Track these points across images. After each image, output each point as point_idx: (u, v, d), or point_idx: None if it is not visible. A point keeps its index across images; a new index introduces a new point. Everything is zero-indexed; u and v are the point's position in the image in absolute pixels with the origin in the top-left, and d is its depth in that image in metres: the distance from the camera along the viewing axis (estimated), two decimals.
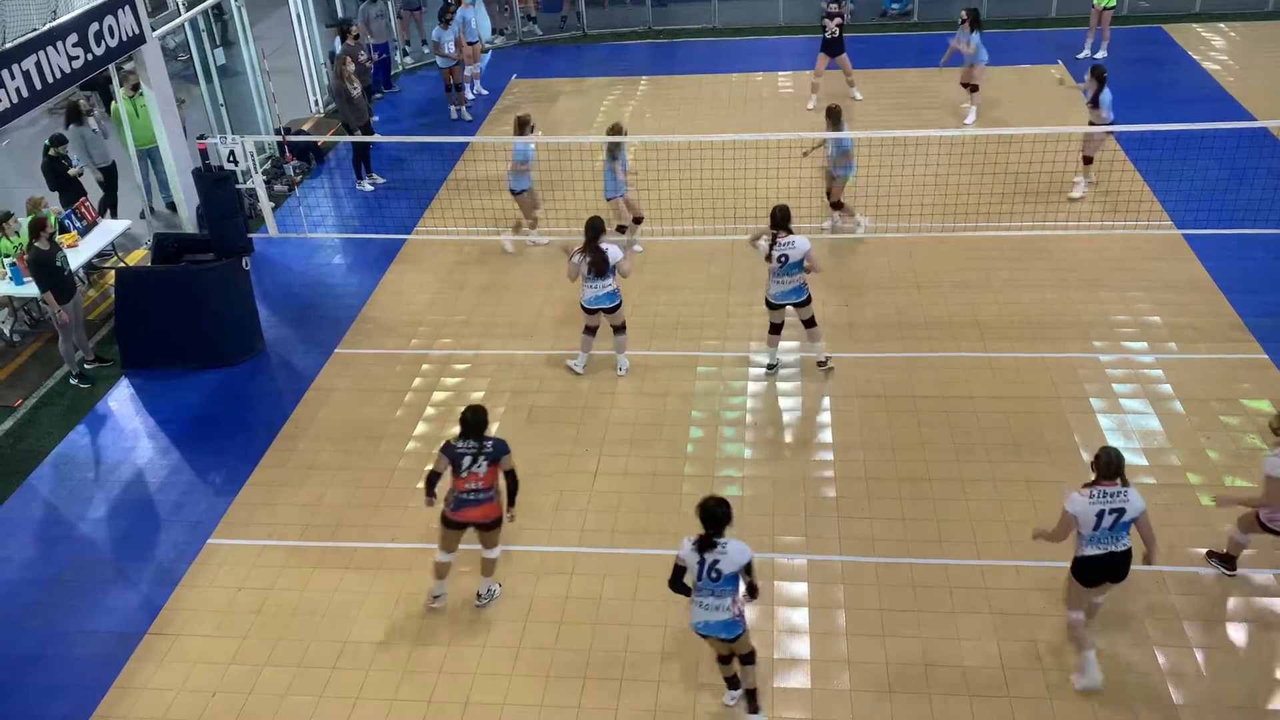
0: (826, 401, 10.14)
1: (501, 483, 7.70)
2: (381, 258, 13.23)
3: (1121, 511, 6.76)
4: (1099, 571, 6.97)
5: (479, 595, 8.05)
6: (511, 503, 7.73)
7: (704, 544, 6.50)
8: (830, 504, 8.89)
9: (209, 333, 11.09)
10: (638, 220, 12.73)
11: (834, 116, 12.29)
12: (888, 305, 11.57)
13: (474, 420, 7.50)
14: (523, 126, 12.28)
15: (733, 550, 6.49)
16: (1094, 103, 12.99)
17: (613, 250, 10.01)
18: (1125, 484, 6.82)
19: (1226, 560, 8.08)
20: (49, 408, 10.85)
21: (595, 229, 9.96)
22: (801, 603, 7.94)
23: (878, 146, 13.83)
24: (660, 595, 8.01)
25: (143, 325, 11.12)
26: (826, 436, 9.68)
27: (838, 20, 16.35)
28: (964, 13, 15.53)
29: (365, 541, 8.79)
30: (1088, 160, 13.38)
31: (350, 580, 8.36)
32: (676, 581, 6.68)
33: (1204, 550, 8.20)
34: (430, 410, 10.36)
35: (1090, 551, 6.90)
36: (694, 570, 6.55)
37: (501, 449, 7.55)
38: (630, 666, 7.54)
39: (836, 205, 12.78)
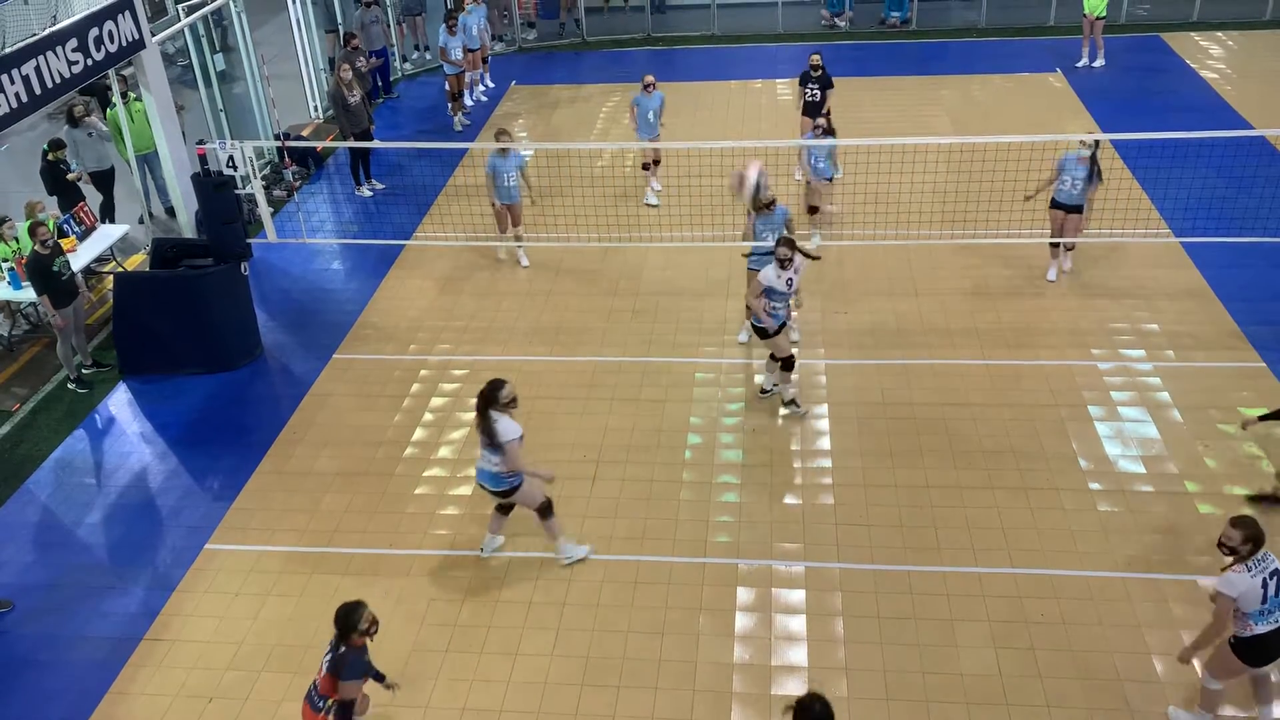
0: (824, 409, 10.14)
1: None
2: (380, 263, 13.24)
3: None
4: (1274, 647, 6.45)
5: None
6: None
7: None
8: (828, 511, 8.88)
9: (207, 338, 11.09)
10: (644, 167, 14.27)
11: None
12: (886, 312, 11.58)
13: (337, 617, 6.30)
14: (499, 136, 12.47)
15: None
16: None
17: (504, 424, 7.80)
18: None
19: None
20: (47, 412, 10.84)
21: (486, 398, 7.85)
22: (799, 610, 7.93)
23: (876, 154, 13.81)
24: (658, 602, 8.05)
25: (141, 330, 11.11)
26: (824, 444, 9.68)
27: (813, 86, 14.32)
28: (823, 120, 12.85)
29: (362, 547, 8.78)
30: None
31: (347, 586, 8.32)
32: None
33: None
34: (428, 416, 10.36)
35: (1262, 629, 6.38)
36: None
37: (353, 669, 6.20)
38: (628, 674, 7.52)
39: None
